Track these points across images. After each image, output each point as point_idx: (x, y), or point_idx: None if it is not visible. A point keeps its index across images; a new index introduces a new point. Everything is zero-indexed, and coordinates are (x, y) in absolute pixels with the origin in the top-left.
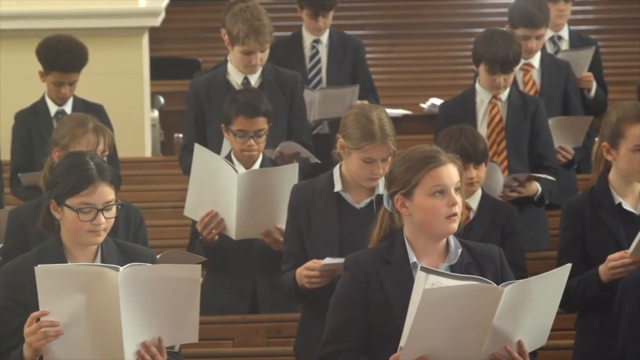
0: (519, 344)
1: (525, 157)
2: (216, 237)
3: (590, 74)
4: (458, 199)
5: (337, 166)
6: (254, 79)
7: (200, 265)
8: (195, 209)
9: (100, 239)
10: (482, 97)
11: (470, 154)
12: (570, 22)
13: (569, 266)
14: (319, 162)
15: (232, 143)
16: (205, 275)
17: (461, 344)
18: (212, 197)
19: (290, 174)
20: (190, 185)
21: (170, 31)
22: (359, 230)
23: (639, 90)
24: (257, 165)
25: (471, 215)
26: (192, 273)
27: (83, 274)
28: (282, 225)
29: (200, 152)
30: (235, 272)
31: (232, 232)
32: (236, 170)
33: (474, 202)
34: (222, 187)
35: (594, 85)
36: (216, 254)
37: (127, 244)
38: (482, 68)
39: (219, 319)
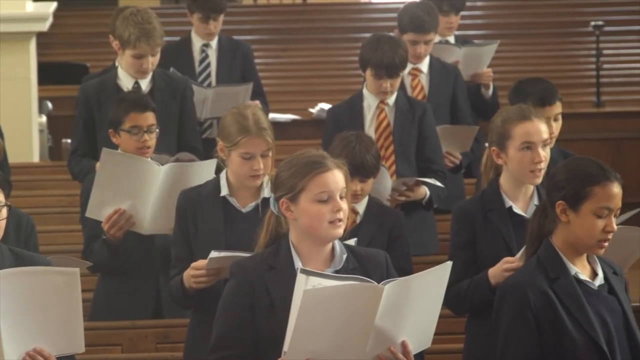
0: (403, 345)
1: (413, 161)
2: (122, 236)
3: (490, 70)
4: (343, 204)
5: (224, 171)
6: (145, 84)
7: (78, 270)
8: (99, 209)
9: None
10: (370, 102)
11: (359, 168)
12: (460, 27)
13: (449, 264)
14: None
15: (126, 143)
16: (102, 281)
17: (344, 346)
18: (120, 195)
19: (208, 169)
20: (95, 188)
21: (58, 36)
22: (245, 234)
23: (510, 98)
24: None
25: (358, 220)
26: (70, 274)
27: None
28: None
29: (108, 156)
30: (137, 275)
31: (143, 227)
32: (158, 164)
33: (361, 206)
34: (136, 183)
35: (492, 84)
36: (119, 255)
37: (22, 251)
38: (368, 73)
39: (107, 324)
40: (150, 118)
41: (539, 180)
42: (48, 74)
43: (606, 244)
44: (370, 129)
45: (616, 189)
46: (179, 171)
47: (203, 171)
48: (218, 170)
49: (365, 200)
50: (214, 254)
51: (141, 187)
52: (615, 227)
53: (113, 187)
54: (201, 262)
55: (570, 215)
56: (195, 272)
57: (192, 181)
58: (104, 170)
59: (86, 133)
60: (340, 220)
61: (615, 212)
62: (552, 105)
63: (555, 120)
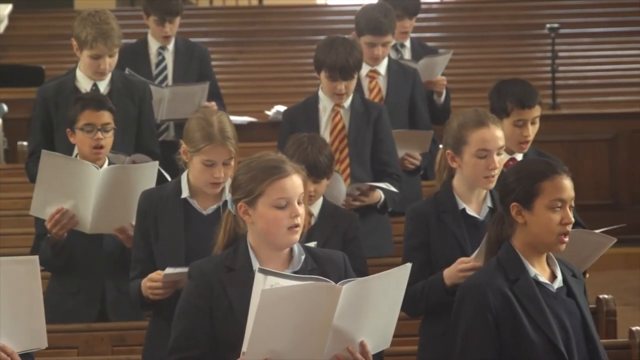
0: (362, 345)
1: (368, 164)
2: (65, 234)
3: (444, 77)
4: (301, 210)
5: (185, 173)
6: (103, 86)
7: (37, 260)
8: (42, 208)
9: None
10: (325, 104)
11: (312, 169)
12: (416, 30)
13: (408, 265)
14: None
15: (80, 143)
16: (52, 281)
17: (303, 345)
18: (62, 195)
19: (150, 172)
20: (37, 188)
21: (14, 38)
22: (206, 236)
23: (491, 97)
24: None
25: (312, 221)
26: (29, 263)
27: None
28: None
29: (47, 158)
30: (83, 276)
31: (86, 227)
32: (97, 167)
33: (316, 208)
34: (76, 184)
35: (445, 90)
36: (63, 254)
37: None
38: (323, 75)
39: (63, 327)
40: (105, 117)
41: (492, 186)
42: (3, 76)
43: (566, 238)
44: (325, 132)
45: (565, 180)
46: (118, 173)
47: (144, 174)
48: (181, 171)
49: (319, 202)
50: (169, 270)
51: (81, 188)
52: (572, 218)
53: (55, 187)
54: (157, 275)
55: (525, 215)
56: (152, 284)
57: (133, 183)
58: (44, 171)
59: (44, 135)
60: (297, 225)
61: (569, 203)
62: (532, 109)
63: (533, 123)
